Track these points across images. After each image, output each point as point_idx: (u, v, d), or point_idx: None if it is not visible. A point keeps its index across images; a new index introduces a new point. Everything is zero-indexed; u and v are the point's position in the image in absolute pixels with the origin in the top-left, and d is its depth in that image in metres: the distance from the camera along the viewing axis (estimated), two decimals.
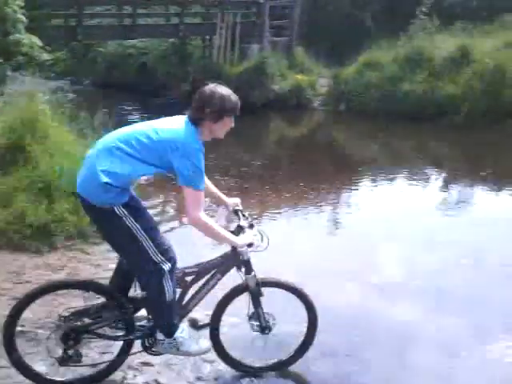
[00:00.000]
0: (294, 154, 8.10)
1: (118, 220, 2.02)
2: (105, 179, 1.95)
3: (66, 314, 2.11)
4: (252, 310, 2.34)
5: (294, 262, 3.61)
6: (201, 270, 2.27)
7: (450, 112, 8.81)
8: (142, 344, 2.24)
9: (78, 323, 2.12)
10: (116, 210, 2.01)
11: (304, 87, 10.70)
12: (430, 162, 7.40)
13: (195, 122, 2.07)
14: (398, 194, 5.83)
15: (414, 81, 9.62)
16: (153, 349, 2.24)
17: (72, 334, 2.09)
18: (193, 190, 2.02)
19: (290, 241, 4.07)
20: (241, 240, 2.22)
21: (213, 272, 2.28)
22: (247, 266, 2.27)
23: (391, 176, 6.49)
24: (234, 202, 2.48)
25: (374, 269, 3.69)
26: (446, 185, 6.25)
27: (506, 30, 10.40)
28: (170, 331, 2.17)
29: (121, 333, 2.21)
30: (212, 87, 2.09)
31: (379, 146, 8.43)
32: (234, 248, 2.24)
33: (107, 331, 2.20)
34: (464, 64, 9.49)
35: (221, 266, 2.29)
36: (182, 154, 1.98)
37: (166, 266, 2.08)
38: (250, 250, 2.22)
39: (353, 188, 6.04)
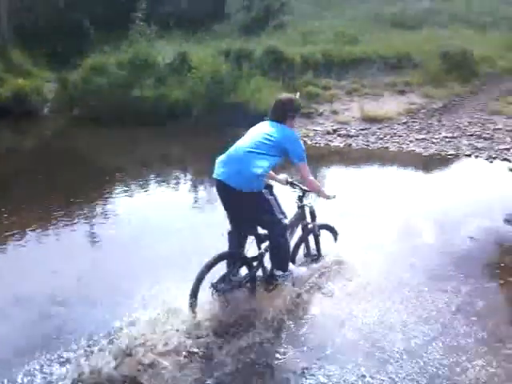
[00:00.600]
0: (26, 168, 7.35)
1: (262, 197, 3.11)
2: (258, 171, 3.00)
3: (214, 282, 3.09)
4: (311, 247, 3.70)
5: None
6: (291, 224, 3.41)
7: (181, 116, 9.43)
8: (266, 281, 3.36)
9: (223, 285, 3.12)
10: (263, 190, 3.13)
11: (28, 92, 9.97)
12: (173, 165, 7.78)
13: (280, 122, 3.20)
14: (152, 200, 5.95)
15: (143, 86, 10.11)
16: (273, 281, 3.32)
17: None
18: (304, 163, 3.17)
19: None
20: (328, 192, 3.41)
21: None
22: (313, 215, 3.62)
23: (141, 182, 6.58)
24: (285, 176, 3.59)
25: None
26: (195, 185, 6.71)
27: (216, 38, 12.06)
28: (286, 267, 3.31)
29: (248, 278, 3.32)
30: (287, 97, 3.35)
31: (120, 152, 8.37)
32: (301, 206, 3.52)
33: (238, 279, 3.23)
34: (185, 70, 10.50)
35: (298, 219, 3.53)
36: (293, 142, 3.15)
37: (286, 221, 3.25)
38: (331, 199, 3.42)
39: (103, 199, 5.92)
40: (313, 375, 2.73)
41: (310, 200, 3.64)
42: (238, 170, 3.00)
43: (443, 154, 7.60)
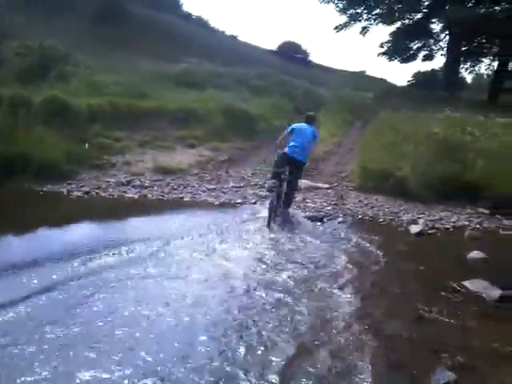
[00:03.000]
0: None
1: (303, 166, 7.57)
2: (308, 153, 7.34)
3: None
4: None
5: None
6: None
7: None
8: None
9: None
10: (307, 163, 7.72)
11: None
12: None
13: (310, 124, 7.49)
14: None
15: None
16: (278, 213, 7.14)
17: None
18: (317, 142, 8.02)
19: None
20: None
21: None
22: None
23: None
24: None
25: None
26: None
27: None
28: (290, 205, 7.58)
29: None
30: (312, 113, 8.04)
31: None
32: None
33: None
34: None
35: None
36: (318, 132, 7.74)
37: None
38: None
39: None
40: None
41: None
42: (302, 152, 7.16)
43: (232, 202, 8.41)
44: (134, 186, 8.82)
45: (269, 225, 6.66)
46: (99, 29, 22.44)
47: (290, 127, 7.36)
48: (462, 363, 3.55)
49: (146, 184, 9.02)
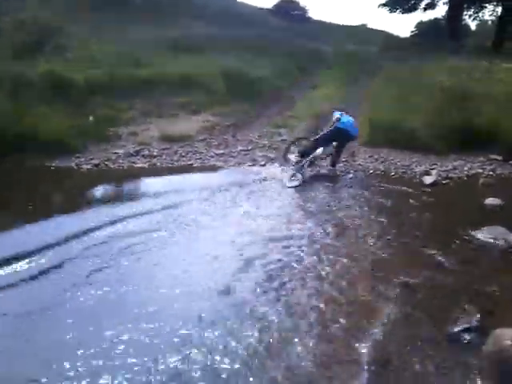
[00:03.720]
0: None
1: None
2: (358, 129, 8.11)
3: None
4: None
5: None
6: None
7: None
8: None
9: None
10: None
11: None
12: None
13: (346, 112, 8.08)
14: None
15: None
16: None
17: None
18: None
19: None
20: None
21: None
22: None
23: None
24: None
25: None
26: None
27: None
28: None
29: None
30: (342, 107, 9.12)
31: None
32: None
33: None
34: None
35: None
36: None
37: None
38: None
39: None
40: None
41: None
42: (353, 128, 7.81)
43: (242, 164, 8.43)
44: (143, 156, 8.84)
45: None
46: None
47: (337, 114, 7.87)
48: (481, 309, 3.62)
49: (155, 153, 9.03)
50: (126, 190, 7.09)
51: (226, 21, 23.84)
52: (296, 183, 7.19)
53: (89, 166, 8.19)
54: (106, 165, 8.28)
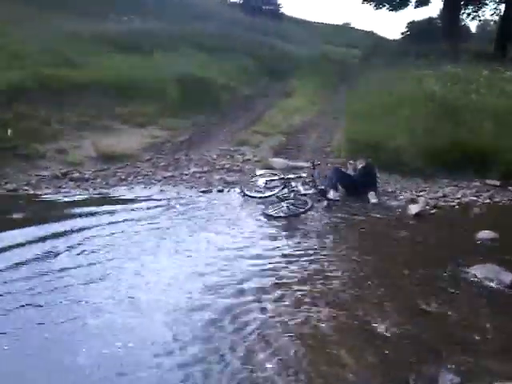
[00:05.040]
0: None
1: None
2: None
3: None
4: None
5: None
6: None
7: None
8: None
9: None
10: None
11: None
12: None
13: None
14: None
15: None
16: None
17: None
18: None
19: None
20: None
21: None
22: None
23: None
24: None
25: None
26: None
27: None
28: None
29: None
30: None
31: None
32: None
33: None
34: None
35: None
36: None
37: None
38: None
39: None
40: None
41: None
42: None
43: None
44: (72, 180, 8.77)
45: None
46: None
47: None
48: (467, 364, 3.70)
49: (87, 175, 8.98)
50: None
51: (180, 15, 23.98)
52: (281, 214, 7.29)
53: (3, 192, 8.06)
54: (26, 190, 8.15)
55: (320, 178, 8.60)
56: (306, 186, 8.27)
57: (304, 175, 8.51)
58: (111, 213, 7.07)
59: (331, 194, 7.82)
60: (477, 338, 4.05)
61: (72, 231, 6.23)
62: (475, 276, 5.17)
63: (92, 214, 6.98)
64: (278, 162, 9.92)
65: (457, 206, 7.72)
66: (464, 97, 10.93)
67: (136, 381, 3.42)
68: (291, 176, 8.39)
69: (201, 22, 22.80)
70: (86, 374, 3.47)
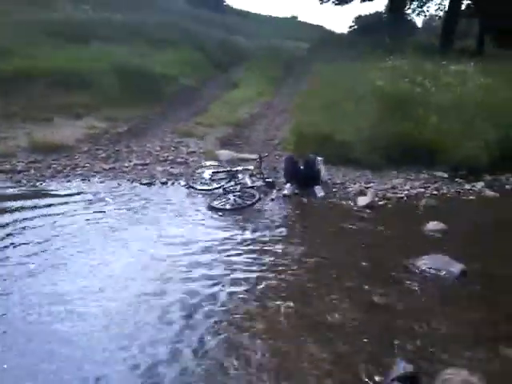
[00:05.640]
0: None
1: None
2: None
3: None
4: None
5: None
6: None
7: None
8: None
9: None
10: None
11: None
12: None
13: None
14: None
15: None
16: None
17: None
18: None
19: None
20: None
21: None
22: None
23: None
24: None
25: None
26: None
27: None
28: None
29: None
30: None
31: None
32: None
33: None
34: None
35: None
36: None
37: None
38: None
39: None
40: None
41: None
42: None
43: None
44: (3, 172, 8.33)
45: None
46: None
47: None
48: (419, 353, 3.69)
49: (20, 167, 8.56)
50: None
51: (119, 4, 23.47)
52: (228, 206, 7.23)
53: None
54: None
55: (268, 171, 8.52)
56: (254, 179, 8.19)
57: (251, 167, 8.38)
58: (43, 207, 6.78)
59: (286, 189, 7.76)
60: (427, 327, 4.06)
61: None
62: (424, 267, 5.19)
63: (23, 208, 6.67)
64: (224, 154, 9.77)
65: (405, 198, 7.80)
66: (410, 90, 11.05)
67: None
68: (238, 168, 8.30)
69: (141, 11, 22.37)
70: None
